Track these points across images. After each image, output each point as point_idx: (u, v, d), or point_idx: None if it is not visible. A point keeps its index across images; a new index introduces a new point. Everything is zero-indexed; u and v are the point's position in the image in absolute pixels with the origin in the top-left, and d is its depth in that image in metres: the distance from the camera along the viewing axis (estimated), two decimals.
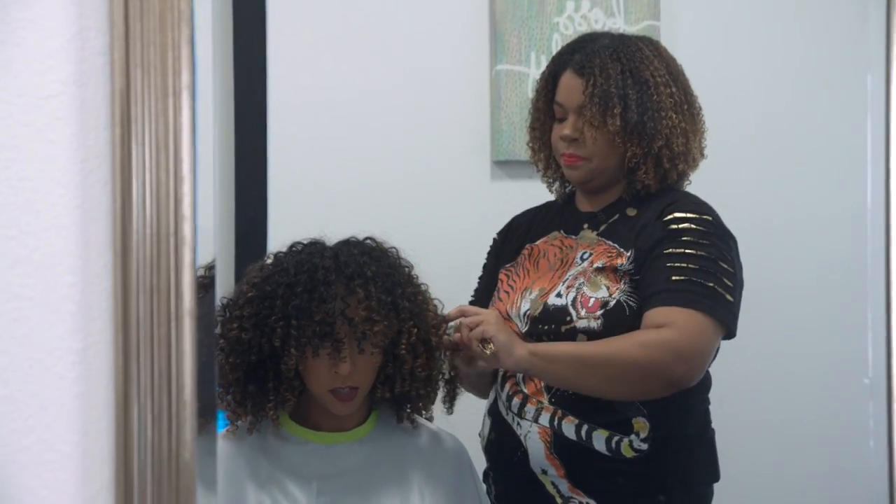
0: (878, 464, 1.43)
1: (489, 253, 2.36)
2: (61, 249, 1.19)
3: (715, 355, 2.10)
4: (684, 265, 2.00)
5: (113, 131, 1.19)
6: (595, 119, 2.08)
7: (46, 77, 1.19)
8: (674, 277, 2.00)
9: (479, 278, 2.36)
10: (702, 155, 2.19)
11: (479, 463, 2.23)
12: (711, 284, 2.00)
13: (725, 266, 2.02)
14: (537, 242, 2.24)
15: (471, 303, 2.32)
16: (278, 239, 2.01)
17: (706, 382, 2.16)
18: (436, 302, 2.01)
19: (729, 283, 2.02)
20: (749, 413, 2.14)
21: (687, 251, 2.01)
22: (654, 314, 1.99)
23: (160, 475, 1.19)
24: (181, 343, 1.20)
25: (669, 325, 1.96)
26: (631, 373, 2.00)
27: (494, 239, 2.36)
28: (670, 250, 2.02)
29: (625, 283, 2.06)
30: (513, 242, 2.30)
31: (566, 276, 2.13)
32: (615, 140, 2.09)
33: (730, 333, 2.05)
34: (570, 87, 2.14)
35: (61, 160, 1.19)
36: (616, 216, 2.15)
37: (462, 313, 2.00)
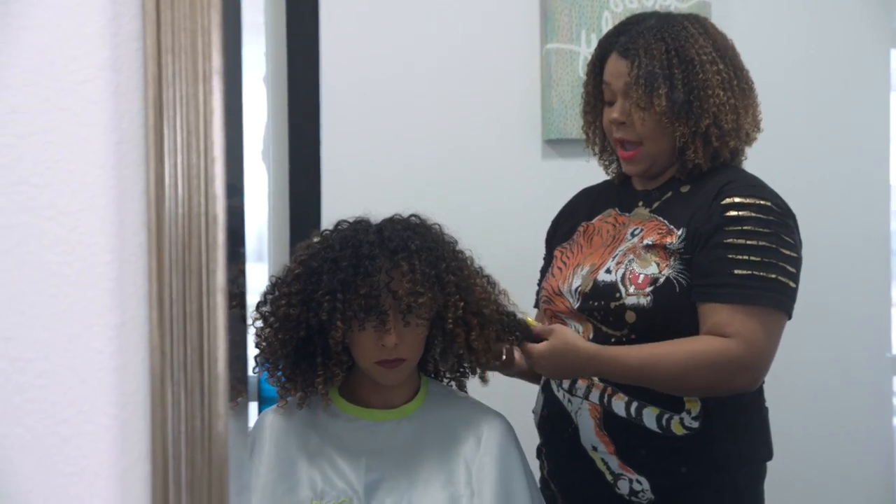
0: None
1: (545, 244, 2.38)
2: (98, 229, 1.23)
3: None
4: (746, 257, 2.00)
5: (146, 115, 1.22)
6: (641, 100, 2.09)
7: (82, 62, 1.23)
8: (737, 271, 2.00)
9: (541, 270, 2.38)
10: (757, 129, 2.18)
11: (533, 440, 2.26)
12: (774, 276, 2.00)
13: (787, 252, 2.02)
14: (593, 221, 2.26)
15: (538, 290, 2.35)
16: (331, 218, 2.04)
17: None
18: (491, 278, 2.04)
19: (791, 269, 2.03)
20: (771, 388, 2.15)
21: (748, 242, 2.01)
22: (719, 314, 2.00)
23: (193, 446, 1.23)
24: (214, 318, 1.23)
25: (735, 335, 1.97)
26: (696, 390, 2.04)
27: (547, 231, 2.38)
28: (731, 240, 2.02)
29: (675, 259, 2.06)
30: (565, 226, 2.32)
31: (616, 252, 2.14)
32: (662, 120, 2.09)
33: (789, 317, 2.06)
34: (617, 69, 2.14)
35: (97, 143, 1.23)
36: (669, 193, 2.16)
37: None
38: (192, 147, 1.23)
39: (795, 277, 2.04)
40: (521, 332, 2.00)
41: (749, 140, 2.17)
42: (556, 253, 2.28)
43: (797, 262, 2.05)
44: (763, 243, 2.01)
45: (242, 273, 1.30)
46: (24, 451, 1.23)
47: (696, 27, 2.15)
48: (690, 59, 2.10)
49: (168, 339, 1.23)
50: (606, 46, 2.20)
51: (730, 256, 2.01)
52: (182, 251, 1.23)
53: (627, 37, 2.14)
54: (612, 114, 2.15)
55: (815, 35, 3.10)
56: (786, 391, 2.14)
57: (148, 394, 1.24)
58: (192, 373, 1.23)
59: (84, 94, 1.23)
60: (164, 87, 1.22)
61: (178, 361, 1.23)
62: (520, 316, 2.02)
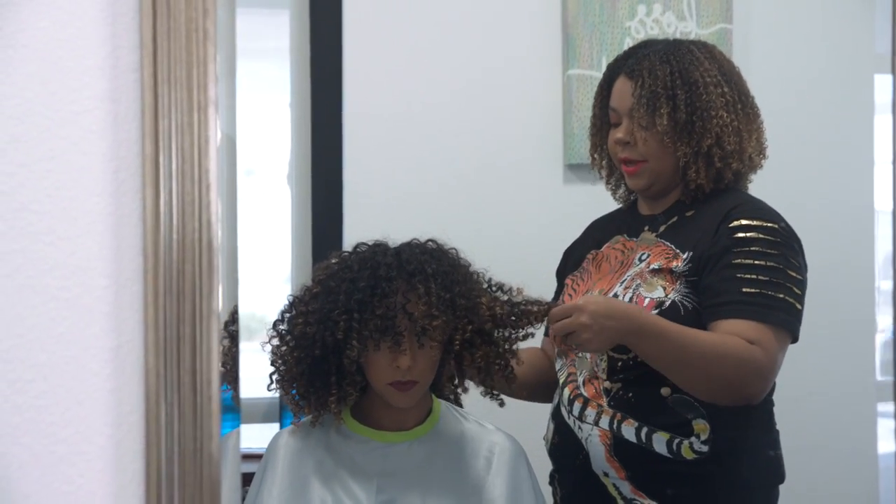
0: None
1: (556, 276, 2.40)
2: (95, 254, 1.27)
3: None
4: (754, 276, 2.02)
5: (143, 144, 1.27)
6: (643, 120, 2.12)
7: (82, 93, 1.27)
8: (745, 289, 2.01)
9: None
10: (762, 155, 2.20)
11: (547, 466, 2.27)
12: (782, 296, 2.02)
13: (794, 274, 2.04)
14: (602, 248, 2.27)
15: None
16: (353, 241, 2.07)
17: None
18: (505, 287, 2.05)
19: (797, 291, 2.04)
20: None
21: (756, 262, 2.03)
22: (730, 326, 2.01)
23: (186, 466, 1.26)
24: (208, 342, 1.27)
25: (757, 343, 1.98)
26: (716, 382, 2.02)
27: (558, 265, 2.40)
28: (739, 261, 2.03)
29: (680, 283, 2.08)
30: (575, 256, 2.33)
31: (624, 277, 2.15)
32: (664, 140, 2.11)
33: (795, 339, 2.07)
34: (622, 91, 2.17)
35: (95, 171, 1.27)
36: (675, 218, 2.18)
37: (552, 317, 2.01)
38: (188, 175, 1.27)
39: (801, 299, 2.06)
40: (539, 310, 2.00)
41: (753, 165, 2.18)
42: (567, 281, 2.30)
43: (803, 284, 2.07)
44: (770, 264, 2.03)
45: (236, 308, 1.34)
46: (22, 469, 1.27)
47: (703, 52, 2.17)
48: (694, 81, 2.12)
49: (162, 361, 1.27)
50: (615, 70, 2.23)
51: (738, 276, 2.03)
52: (177, 276, 1.27)
53: (634, 59, 2.18)
54: (617, 134, 2.18)
55: (812, 60, 3.12)
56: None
57: (143, 415, 1.27)
58: (185, 394, 1.27)
59: (83, 124, 1.27)
60: (161, 117, 1.26)
61: (172, 383, 1.27)
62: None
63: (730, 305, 2.02)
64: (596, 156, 2.30)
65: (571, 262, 2.34)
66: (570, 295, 2.25)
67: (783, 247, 2.06)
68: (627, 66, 2.17)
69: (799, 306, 2.05)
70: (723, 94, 2.12)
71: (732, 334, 2.00)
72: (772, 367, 2.02)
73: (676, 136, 2.11)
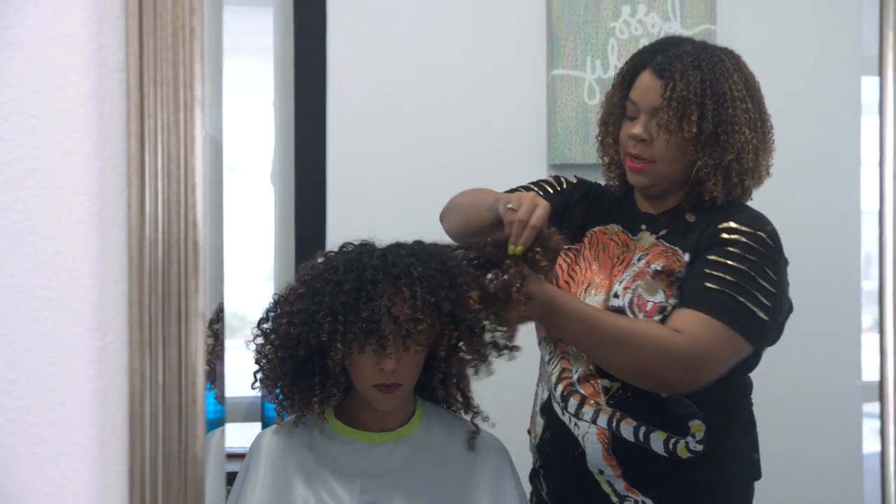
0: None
1: (560, 185, 2.35)
2: (80, 254, 1.27)
3: (751, 365, 2.13)
4: (721, 275, 2.02)
5: (128, 143, 1.26)
6: (671, 123, 2.09)
7: (67, 92, 1.27)
8: (707, 284, 2.03)
9: (535, 185, 2.37)
10: (768, 173, 2.20)
11: (524, 460, 2.27)
12: (742, 299, 2.02)
13: (765, 284, 2.04)
14: (595, 230, 2.26)
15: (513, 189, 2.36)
16: (336, 240, 2.06)
17: (748, 386, 2.19)
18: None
19: (765, 302, 2.03)
20: None
21: (729, 263, 2.03)
22: (678, 315, 2.03)
23: (171, 467, 1.26)
24: (192, 342, 1.26)
25: (682, 330, 2.00)
26: (631, 364, 2.05)
27: (571, 182, 2.36)
28: (713, 258, 2.05)
29: (677, 288, 2.09)
30: (578, 211, 2.31)
31: (623, 277, 2.15)
32: (687, 147, 2.10)
33: (757, 350, 2.09)
34: (648, 87, 2.14)
35: (80, 170, 1.26)
36: (676, 223, 2.17)
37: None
38: (173, 175, 1.26)
39: (769, 311, 2.04)
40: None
41: (759, 181, 2.18)
42: (561, 262, 2.26)
43: (775, 298, 2.05)
44: (742, 268, 2.03)
45: (221, 306, 1.33)
46: (4, 470, 1.26)
47: (732, 62, 2.14)
48: (723, 93, 2.10)
49: (147, 362, 1.26)
50: (640, 62, 2.19)
51: (706, 271, 2.04)
52: (161, 276, 1.26)
53: (664, 57, 2.14)
54: (634, 129, 2.15)
55: (798, 61, 3.13)
56: (755, 415, 2.17)
57: (127, 416, 1.27)
58: (170, 395, 1.26)
59: (68, 123, 1.27)
60: (146, 116, 1.25)
61: (157, 384, 1.26)
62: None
63: (687, 298, 2.04)
64: (604, 143, 2.27)
65: (574, 214, 2.30)
66: (566, 282, 2.23)
67: (763, 256, 2.05)
68: (656, 63, 2.14)
69: (763, 316, 2.03)
70: (747, 111, 2.11)
71: (674, 322, 2.02)
72: (699, 357, 2.01)
73: (700, 146, 2.09)
